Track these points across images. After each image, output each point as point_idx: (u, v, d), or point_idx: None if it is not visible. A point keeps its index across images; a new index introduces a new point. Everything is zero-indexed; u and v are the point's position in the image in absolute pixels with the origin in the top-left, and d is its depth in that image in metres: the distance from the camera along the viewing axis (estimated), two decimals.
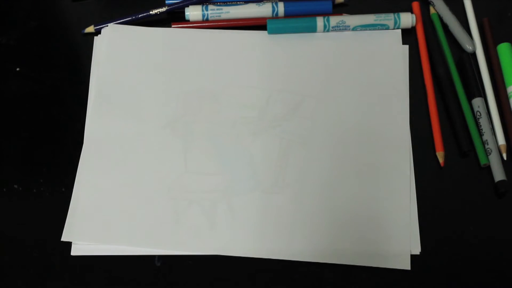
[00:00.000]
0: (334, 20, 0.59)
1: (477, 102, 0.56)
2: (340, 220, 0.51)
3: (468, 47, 0.59)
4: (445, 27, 0.61)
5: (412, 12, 0.61)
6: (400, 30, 0.60)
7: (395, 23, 0.60)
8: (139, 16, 0.61)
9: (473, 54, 0.59)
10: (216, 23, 0.61)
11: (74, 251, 0.50)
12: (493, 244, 0.50)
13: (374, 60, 0.58)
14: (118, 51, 0.59)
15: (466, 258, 0.50)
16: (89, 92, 0.58)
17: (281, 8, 0.61)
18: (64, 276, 0.50)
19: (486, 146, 0.54)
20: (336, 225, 0.51)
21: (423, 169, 0.53)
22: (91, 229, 0.51)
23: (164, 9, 0.61)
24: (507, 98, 0.57)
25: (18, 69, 0.60)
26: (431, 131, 0.56)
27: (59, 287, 0.50)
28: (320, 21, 0.59)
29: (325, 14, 0.60)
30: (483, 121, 0.55)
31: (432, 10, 0.62)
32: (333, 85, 0.57)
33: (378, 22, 0.60)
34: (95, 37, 0.60)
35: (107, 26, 0.61)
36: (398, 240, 0.50)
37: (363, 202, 0.52)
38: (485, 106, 0.56)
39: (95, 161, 0.54)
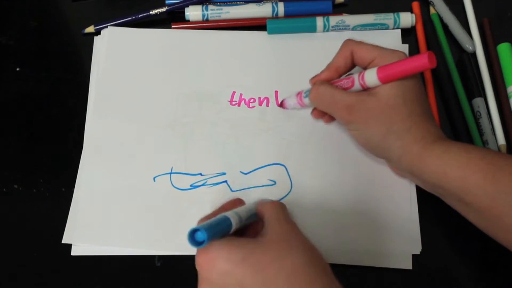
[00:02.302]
0: (333, 20, 0.59)
1: (477, 102, 0.56)
2: (341, 220, 0.51)
3: (468, 47, 0.59)
4: (445, 27, 0.61)
5: (412, 12, 0.61)
6: (399, 30, 0.60)
7: (395, 22, 0.60)
8: (139, 16, 0.61)
9: (473, 54, 0.59)
10: (216, 23, 0.61)
11: (74, 251, 0.50)
12: (493, 244, 0.50)
13: None
14: (117, 53, 0.59)
15: (466, 258, 0.50)
16: (89, 92, 0.58)
17: (281, 8, 0.61)
18: (64, 276, 0.50)
19: (486, 146, 0.54)
20: (337, 225, 0.51)
21: None
22: (92, 231, 0.51)
23: (164, 9, 0.61)
24: (507, 98, 0.57)
25: (18, 69, 0.60)
26: None
27: (59, 287, 0.50)
28: (319, 21, 0.59)
29: (325, 14, 0.60)
30: (483, 121, 0.55)
31: (432, 10, 0.62)
32: None
33: (378, 21, 0.60)
34: (95, 37, 0.61)
35: (107, 27, 0.61)
36: (399, 240, 0.50)
37: (364, 203, 0.52)
38: (485, 106, 0.56)
39: (96, 163, 0.54)
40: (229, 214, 0.40)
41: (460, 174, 0.43)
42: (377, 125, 0.46)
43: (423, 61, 0.43)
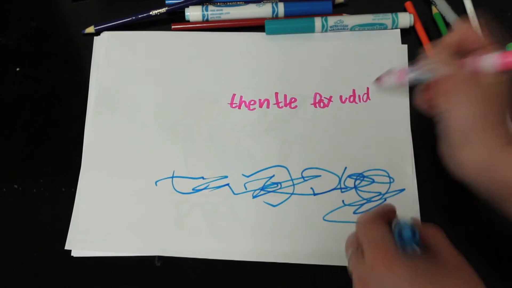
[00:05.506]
0: (332, 20, 0.59)
1: None
2: (341, 221, 0.51)
3: None
4: (448, 26, 0.61)
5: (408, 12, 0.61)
6: (399, 30, 0.60)
7: (393, 22, 0.60)
8: (139, 16, 0.61)
9: None
10: (216, 24, 0.61)
11: (75, 252, 0.51)
12: (495, 244, 0.50)
13: (373, 60, 0.58)
14: (117, 56, 0.59)
15: (467, 258, 0.50)
16: (89, 93, 0.58)
17: (281, 8, 0.61)
18: (64, 276, 0.50)
19: None
20: (337, 226, 0.51)
21: (424, 168, 0.53)
22: (94, 237, 0.51)
23: (164, 9, 0.61)
24: None
25: (18, 69, 0.60)
26: (433, 130, 0.55)
27: (59, 287, 0.50)
28: (318, 21, 0.59)
29: (325, 14, 0.60)
30: None
31: (434, 10, 0.62)
32: (332, 86, 0.57)
33: (376, 21, 0.59)
34: (95, 38, 0.60)
35: (107, 27, 0.61)
36: None
37: (365, 203, 0.52)
38: None
39: (96, 169, 0.54)
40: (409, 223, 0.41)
41: None
42: (475, 107, 0.45)
43: None
